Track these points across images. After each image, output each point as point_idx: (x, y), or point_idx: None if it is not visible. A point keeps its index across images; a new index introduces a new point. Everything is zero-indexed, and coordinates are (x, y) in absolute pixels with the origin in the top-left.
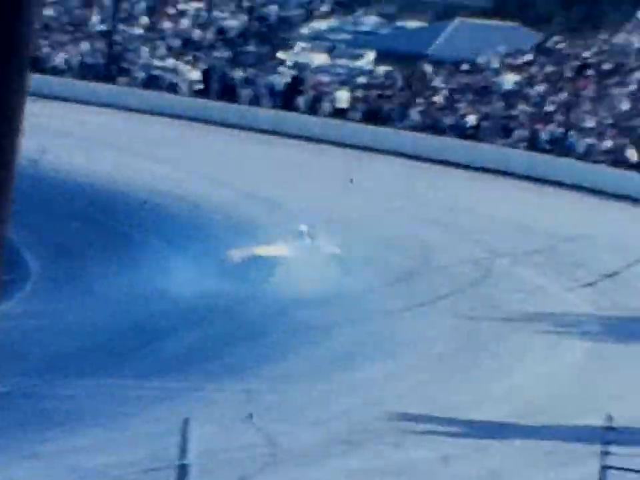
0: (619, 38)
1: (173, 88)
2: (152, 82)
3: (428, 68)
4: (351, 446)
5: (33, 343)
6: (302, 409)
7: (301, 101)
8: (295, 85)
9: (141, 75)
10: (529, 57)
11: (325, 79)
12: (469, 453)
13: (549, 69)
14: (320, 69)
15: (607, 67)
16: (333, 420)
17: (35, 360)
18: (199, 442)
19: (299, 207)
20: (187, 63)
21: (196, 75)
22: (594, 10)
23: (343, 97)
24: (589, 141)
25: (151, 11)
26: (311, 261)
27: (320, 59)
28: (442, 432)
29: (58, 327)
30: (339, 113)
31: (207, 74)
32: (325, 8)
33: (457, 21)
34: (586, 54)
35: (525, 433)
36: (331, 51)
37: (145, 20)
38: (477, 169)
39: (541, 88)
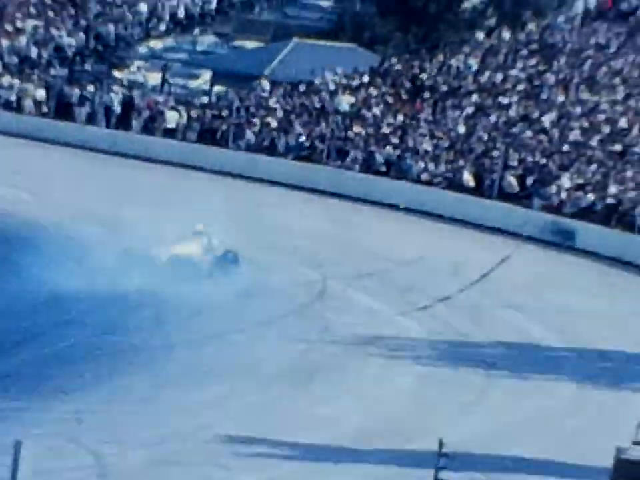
0: (456, 60)
1: (9, 106)
2: None
3: (265, 86)
4: (179, 467)
5: None
6: (131, 430)
7: (135, 120)
8: (129, 105)
9: None
10: (365, 78)
11: (159, 98)
12: (299, 477)
13: (386, 90)
14: (156, 89)
15: (443, 89)
16: (162, 442)
17: None
18: (29, 463)
19: (137, 224)
20: (27, 81)
21: (40, 93)
22: (431, 32)
23: (172, 118)
24: (425, 164)
25: None
26: (212, 260)
27: (156, 78)
28: (271, 455)
29: None
30: (171, 133)
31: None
32: (162, 27)
33: (294, 41)
34: (423, 76)
35: (356, 457)
36: (164, 70)
37: None
38: (311, 190)
39: (377, 110)
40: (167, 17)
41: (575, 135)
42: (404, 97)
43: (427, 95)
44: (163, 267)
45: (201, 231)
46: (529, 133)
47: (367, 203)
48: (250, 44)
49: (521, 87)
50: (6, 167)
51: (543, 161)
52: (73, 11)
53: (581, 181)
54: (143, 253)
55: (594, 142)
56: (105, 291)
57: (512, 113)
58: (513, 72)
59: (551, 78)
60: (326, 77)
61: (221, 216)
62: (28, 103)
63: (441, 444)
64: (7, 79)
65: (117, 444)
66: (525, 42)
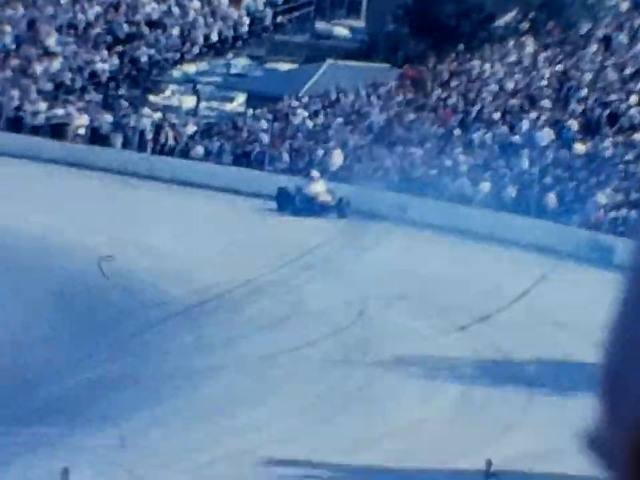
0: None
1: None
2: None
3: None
4: None
5: None
6: (176, 455)
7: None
8: (159, 130)
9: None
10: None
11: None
12: None
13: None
14: (189, 112)
15: (470, 96)
16: (207, 466)
17: None
18: None
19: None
20: (64, 107)
21: (84, 119)
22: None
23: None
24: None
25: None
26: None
27: (190, 101)
28: (313, 477)
29: None
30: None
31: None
32: (195, 50)
33: (328, 62)
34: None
35: (401, 478)
36: (196, 93)
37: (15, 61)
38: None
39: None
40: (201, 41)
41: (610, 151)
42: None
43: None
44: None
45: (319, 176)
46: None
47: (400, 223)
48: (283, 66)
49: (549, 92)
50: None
51: (581, 175)
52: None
53: (619, 197)
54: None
55: (630, 156)
56: None
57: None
58: (541, 75)
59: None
60: (361, 92)
61: (250, 239)
62: (70, 130)
63: (489, 464)
64: (41, 105)
65: (162, 468)
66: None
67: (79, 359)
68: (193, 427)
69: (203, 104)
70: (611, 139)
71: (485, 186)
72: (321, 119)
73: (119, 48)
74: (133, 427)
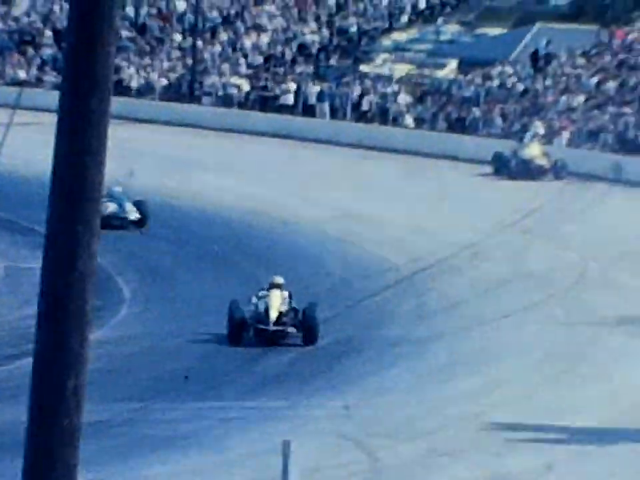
0: None
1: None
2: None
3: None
4: (452, 458)
5: (131, 369)
6: (401, 422)
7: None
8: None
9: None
10: (607, 57)
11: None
12: (572, 460)
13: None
14: (402, 80)
15: None
16: (433, 433)
17: (132, 386)
18: (299, 461)
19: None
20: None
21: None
22: None
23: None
24: None
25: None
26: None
27: (402, 70)
28: (544, 439)
29: (154, 351)
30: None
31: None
32: (404, 19)
33: (537, 26)
34: None
35: (629, 438)
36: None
37: (223, 36)
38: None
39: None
40: (409, 9)
41: None
42: None
43: None
44: None
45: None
46: None
47: (617, 184)
48: (493, 30)
49: None
50: (265, 169)
51: None
52: (314, 8)
53: None
54: None
55: None
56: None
57: None
58: None
59: None
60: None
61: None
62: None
63: None
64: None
65: (387, 437)
66: None
67: None
68: (418, 394)
69: (415, 71)
70: None
71: None
72: (531, 82)
73: (327, 19)
74: (357, 397)
